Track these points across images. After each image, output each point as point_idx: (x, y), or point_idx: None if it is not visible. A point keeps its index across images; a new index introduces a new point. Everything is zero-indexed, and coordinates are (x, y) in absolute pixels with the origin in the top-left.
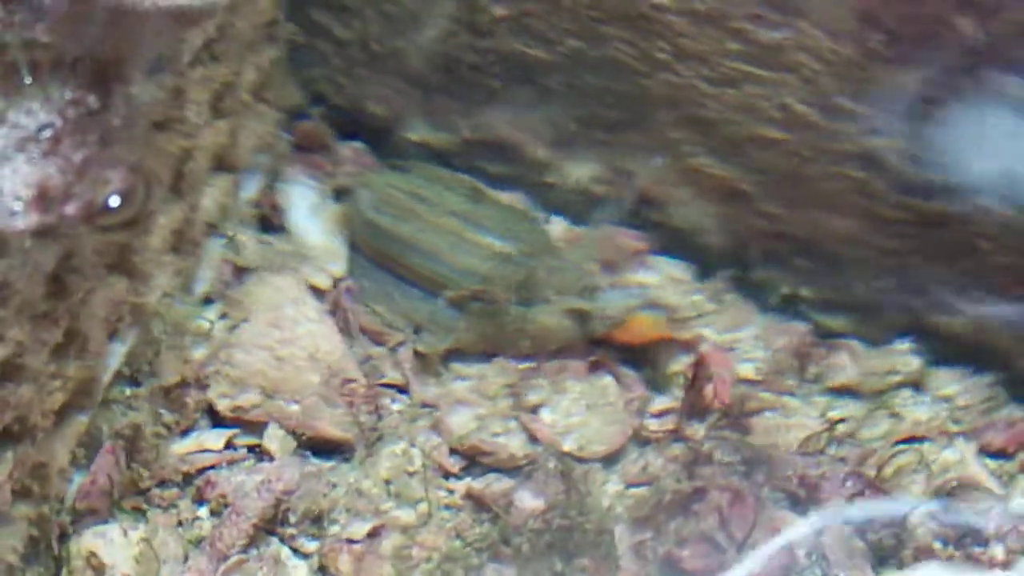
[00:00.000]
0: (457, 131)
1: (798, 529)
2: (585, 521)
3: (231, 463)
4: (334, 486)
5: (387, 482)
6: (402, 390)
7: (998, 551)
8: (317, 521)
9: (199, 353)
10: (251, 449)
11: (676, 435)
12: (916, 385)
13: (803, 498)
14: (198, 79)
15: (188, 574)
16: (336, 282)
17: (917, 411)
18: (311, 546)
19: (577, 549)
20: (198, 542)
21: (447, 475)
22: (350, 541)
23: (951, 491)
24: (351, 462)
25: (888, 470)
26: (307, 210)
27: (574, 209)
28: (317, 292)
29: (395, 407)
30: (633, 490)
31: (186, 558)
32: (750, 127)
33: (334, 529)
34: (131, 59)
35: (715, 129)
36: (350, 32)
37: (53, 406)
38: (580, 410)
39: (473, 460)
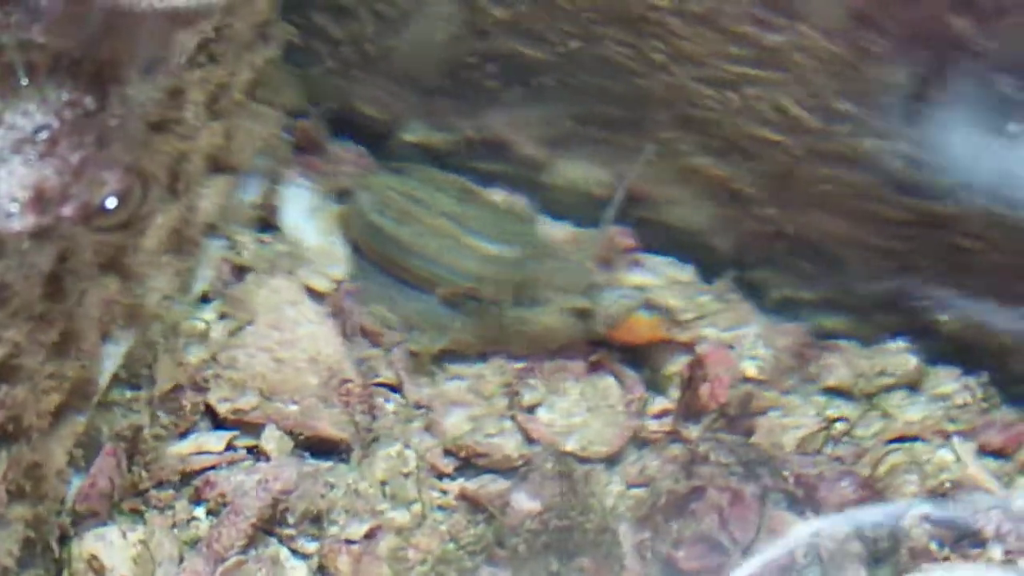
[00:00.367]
0: (455, 132)
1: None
2: (585, 521)
3: (231, 464)
4: (332, 486)
5: (383, 483)
6: (395, 390)
7: (996, 552)
8: (316, 521)
9: (198, 355)
10: (250, 450)
11: (674, 436)
12: (913, 385)
13: (801, 498)
14: (195, 80)
15: (184, 575)
16: (336, 284)
17: (914, 411)
18: (310, 547)
19: (577, 549)
20: (194, 543)
21: (441, 476)
22: (348, 542)
23: (948, 491)
24: (349, 462)
25: (884, 469)
26: (305, 212)
27: (571, 209)
28: (316, 294)
29: (389, 407)
30: (634, 491)
31: (181, 559)
32: (747, 128)
33: (333, 530)
34: (128, 60)
35: (713, 129)
36: (346, 32)
37: (49, 407)
38: (580, 410)
39: (467, 461)
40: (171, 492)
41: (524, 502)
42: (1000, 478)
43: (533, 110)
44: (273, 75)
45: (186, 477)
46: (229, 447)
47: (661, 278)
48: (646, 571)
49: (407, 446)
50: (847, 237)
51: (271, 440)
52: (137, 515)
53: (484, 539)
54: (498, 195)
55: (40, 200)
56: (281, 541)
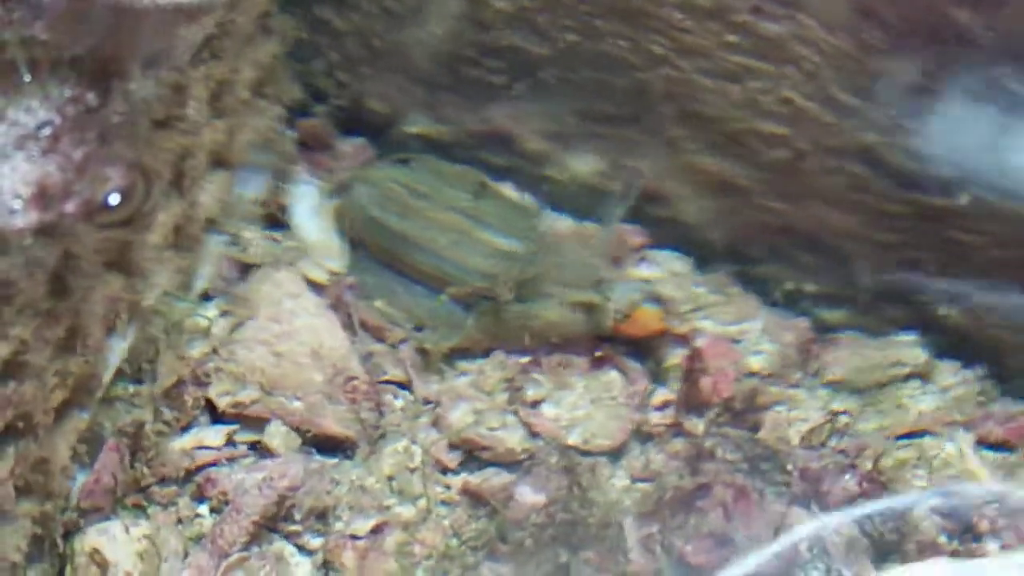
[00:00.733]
0: (459, 125)
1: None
2: (589, 515)
3: (231, 460)
4: (337, 483)
5: (390, 479)
6: (403, 387)
7: (993, 546)
8: (322, 517)
9: (199, 349)
10: (251, 446)
11: (676, 429)
12: (915, 377)
13: (805, 492)
14: (197, 76)
15: (188, 571)
16: (336, 278)
17: (917, 404)
18: (315, 542)
19: (581, 543)
20: (198, 539)
21: (445, 471)
22: (354, 537)
23: (951, 484)
24: (354, 459)
25: (887, 462)
26: (309, 206)
27: (576, 204)
28: (317, 287)
29: (397, 404)
30: (639, 484)
31: (186, 555)
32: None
33: (338, 526)
34: (130, 56)
35: (716, 124)
36: (350, 26)
37: (54, 403)
38: (584, 404)
39: (471, 455)
40: (174, 488)
41: (528, 495)
42: (1000, 471)
43: (537, 104)
44: (276, 70)
45: (188, 473)
46: (229, 442)
47: (665, 272)
48: (652, 565)
49: (414, 441)
50: (850, 230)
51: (276, 436)
52: (140, 511)
53: (486, 533)
54: (503, 188)
55: (43, 196)
56: (286, 537)
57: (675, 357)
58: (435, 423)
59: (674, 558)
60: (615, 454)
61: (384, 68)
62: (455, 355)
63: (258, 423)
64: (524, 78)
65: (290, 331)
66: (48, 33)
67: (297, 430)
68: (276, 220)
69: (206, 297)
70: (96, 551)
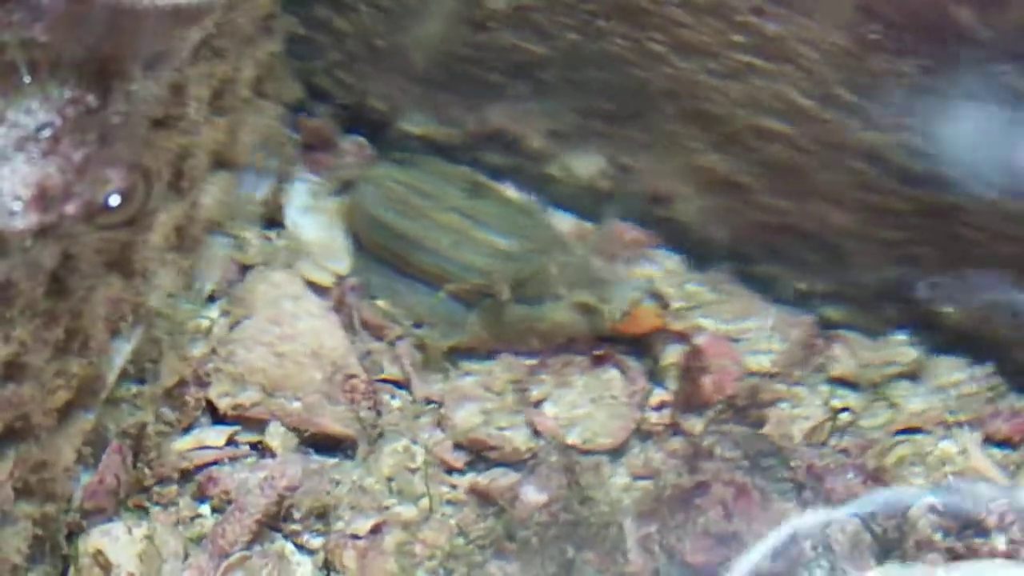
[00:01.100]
0: (459, 125)
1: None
2: (590, 514)
3: (232, 460)
4: (337, 483)
5: (389, 479)
6: (401, 385)
7: (1000, 541)
8: (322, 517)
9: (200, 350)
10: (253, 446)
11: (677, 427)
12: (918, 375)
13: (808, 489)
14: (197, 76)
15: (189, 571)
16: (339, 278)
17: (921, 401)
18: (316, 542)
19: (583, 542)
20: (199, 540)
21: (450, 471)
22: (354, 537)
23: (954, 481)
24: (354, 459)
25: (890, 460)
26: (309, 206)
27: (578, 203)
28: (318, 288)
29: (395, 403)
30: (639, 483)
31: (186, 556)
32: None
33: (339, 525)
34: (130, 57)
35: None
36: (350, 25)
37: (56, 404)
38: (584, 403)
39: (477, 455)
40: (175, 488)
41: (532, 495)
42: (1006, 468)
43: (538, 103)
44: (277, 69)
45: (189, 474)
46: (231, 442)
47: (665, 270)
48: (651, 564)
49: (414, 441)
50: (851, 228)
51: (276, 436)
52: (142, 511)
53: (494, 532)
54: (504, 188)
55: (43, 198)
56: (287, 537)
57: (675, 355)
58: (437, 423)
59: (673, 557)
60: (616, 453)
61: (385, 67)
62: (459, 355)
63: (259, 423)
64: (524, 77)
65: (292, 332)
66: (48, 35)
67: (297, 430)
68: (277, 220)
69: (210, 298)
70: (99, 552)
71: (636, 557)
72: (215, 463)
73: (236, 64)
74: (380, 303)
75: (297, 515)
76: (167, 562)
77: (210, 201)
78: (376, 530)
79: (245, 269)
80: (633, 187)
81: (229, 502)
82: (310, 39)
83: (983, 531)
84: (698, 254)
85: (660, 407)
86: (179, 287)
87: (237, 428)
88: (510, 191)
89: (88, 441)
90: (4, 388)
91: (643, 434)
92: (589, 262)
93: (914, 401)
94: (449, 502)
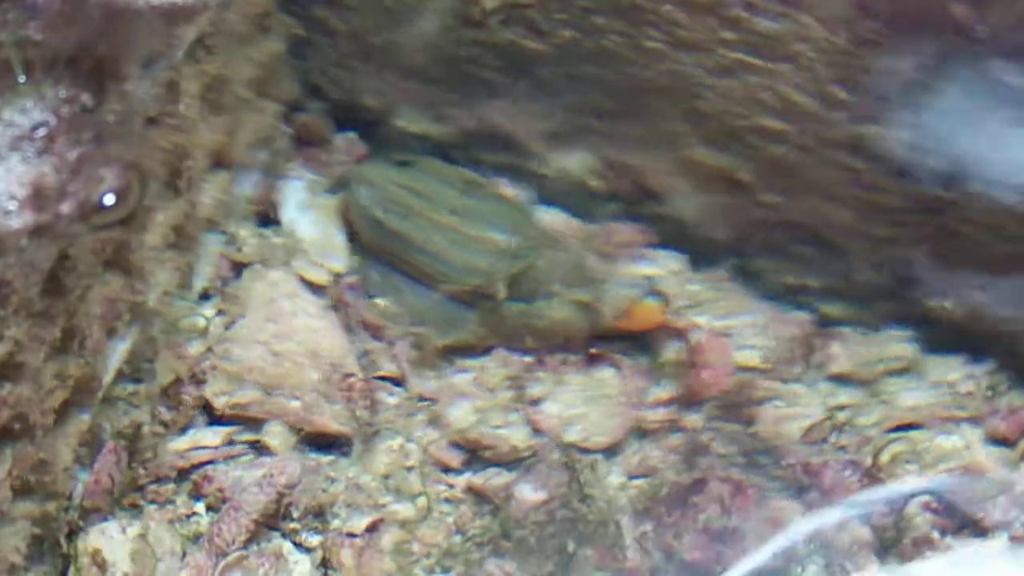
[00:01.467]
0: (454, 123)
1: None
2: (588, 512)
3: (228, 459)
4: (334, 481)
5: (386, 477)
6: (397, 383)
7: (1001, 539)
8: (319, 515)
9: (196, 349)
10: (251, 445)
11: (673, 425)
12: (914, 371)
13: (805, 487)
14: (192, 74)
15: (186, 570)
16: (336, 276)
17: (920, 397)
18: (314, 540)
19: (581, 540)
20: (195, 538)
21: (447, 469)
22: (351, 535)
23: (954, 478)
24: (350, 456)
25: (886, 457)
26: (304, 204)
27: (572, 201)
28: (315, 287)
29: (391, 400)
30: (636, 481)
31: (184, 554)
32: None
33: (335, 523)
34: (125, 56)
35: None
36: (345, 24)
37: (53, 404)
38: (581, 401)
39: (474, 454)
40: (171, 487)
41: (529, 493)
42: (1006, 465)
43: (532, 101)
44: (273, 67)
45: (185, 472)
46: (229, 442)
47: (661, 268)
48: (648, 562)
49: (410, 439)
50: (848, 224)
51: (274, 435)
52: (136, 510)
53: (491, 531)
54: (500, 186)
55: (38, 197)
56: (284, 535)
57: (672, 352)
58: (433, 421)
59: (670, 555)
60: (613, 451)
61: (379, 64)
62: (455, 353)
63: (256, 422)
64: (519, 74)
65: (288, 331)
66: (42, 34)
67: (294, 428)
68: (273, 218)
69: (205, 296)
70: (97, 551)
71: (633, 555)
72: (211, 462)
73: (232, 62)
74: (378, 302)
75: (295, 513)
76: (163, 560)
77: (208, 199)
78: (373, 528)
79: (241, 267)
80: (628, 184)
81: (224, 500)
82: (306, 38)
83: (983, 529)
84: (694, 251)
85: (657, 405)
86: (176, 285)
87: (234, 427)
88: (506, 189)
89: (84, 441)
90: (1, 388)
91: (641, 432)
92: (585, 260)
93: (911, 397)
94: (447, 500)
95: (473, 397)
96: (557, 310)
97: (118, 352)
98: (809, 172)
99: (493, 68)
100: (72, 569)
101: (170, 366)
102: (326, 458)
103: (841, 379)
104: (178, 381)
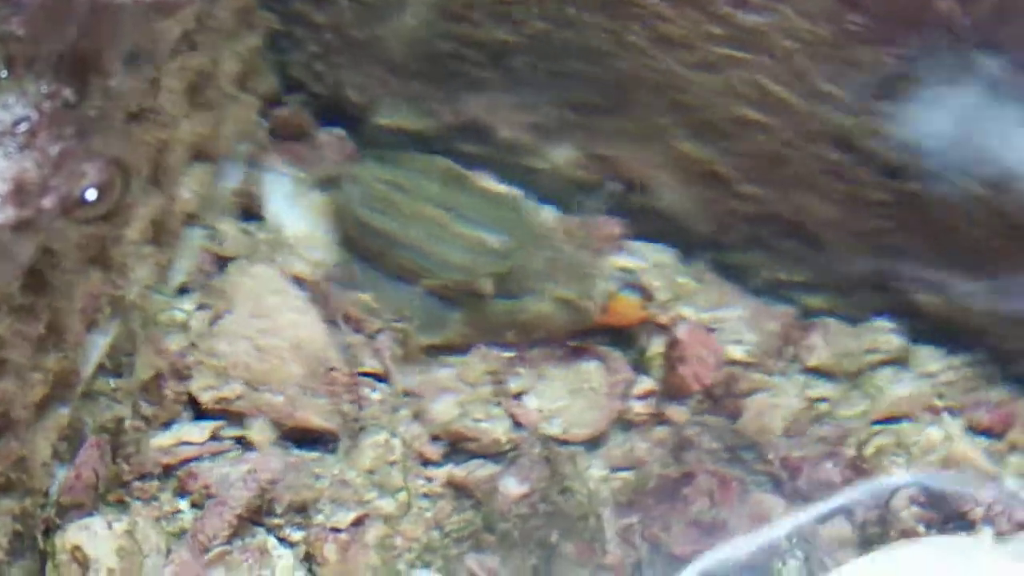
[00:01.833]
0: (437, 117)
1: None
2: (567, 505)
3: (214, 455)
4: (319, 476)
5: (370, 472)
6: (381, 379)
7: (987, 532)
8: (303, 511)
9: (178, 344)
10: (236, 440)
11: (657, 418)
12: (899, 363)
13: (786, 480)
14: (176, 69)
15: (171, 566)
16: (320, 271)
17: (903, 390)
18: (297, 535)
19: (562, 533)
20: (180, 534)
21: (427, 463)
22: (335, 530)
23: (939, 470)
24: (336, 452)
25: (870, 449)
26: (288, 199)
27: (557, 195)
28: (300, 281)
29: (375, 396)
30: (620, 473)
31: (168, 551)
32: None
33: (319, 519)
34: (108, 52)
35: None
36: (327, 18)
37: (34, 399)
38: (564, 395)
39: (455, 447)
40: (155, 483)
41: (512, 486)
42: (991, 457)
43: (516, 94)
44: (255, 62)
45: (170, 468)
46: (214, 437)
47: (645, 261)
48: (632, 555)
49: (394, 434)
50: (831, 218)
51: (257, 430)
52: (122, 506)
53: (471, 525)
54: (484, 179)
55: (20, 192)
56: (268, 531)
57: (656, 346)
58: (416, 416)
59: (654, 548)
60: (595, 443)
61: (361, 58)
62: (438, 349)
63: (241, 417)
64: (502, 68)
65: (274, 326)
66: (25, 29)
67: (279, 424)
68: (257, 213)
69: (183, 290)
70: (77, 548)
71: (615, 548)
72: (197, 458)
73: (215, 57)
74: (362, 297)
75: (278, 509)
76: (149, 557)
77: (188, 194)
78: (357, 523)
79: (225, 262)
80: (613, 178)
81: (210, 496)
82: (287, 32)
83: (969, 520)
84: (678, 245)
85: (644, 397)
86: (156, 280)
87: (219, 422)
88: (490, 182)
89: (64, 436)
90: None
91: (624, 424)
92: (569, 254)
93: (895, 389)
94: (426, 495)
95: (456, 392)
96: (541, 304)
97: (98, 346)
98: (794, 165)
99: (475, 62)
100: (50, 565)
101: (150, 361)
102: (311, 454)
103: (824, 371)
104: (159, 376)
